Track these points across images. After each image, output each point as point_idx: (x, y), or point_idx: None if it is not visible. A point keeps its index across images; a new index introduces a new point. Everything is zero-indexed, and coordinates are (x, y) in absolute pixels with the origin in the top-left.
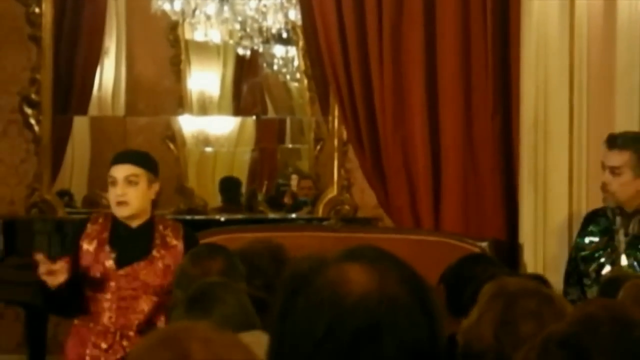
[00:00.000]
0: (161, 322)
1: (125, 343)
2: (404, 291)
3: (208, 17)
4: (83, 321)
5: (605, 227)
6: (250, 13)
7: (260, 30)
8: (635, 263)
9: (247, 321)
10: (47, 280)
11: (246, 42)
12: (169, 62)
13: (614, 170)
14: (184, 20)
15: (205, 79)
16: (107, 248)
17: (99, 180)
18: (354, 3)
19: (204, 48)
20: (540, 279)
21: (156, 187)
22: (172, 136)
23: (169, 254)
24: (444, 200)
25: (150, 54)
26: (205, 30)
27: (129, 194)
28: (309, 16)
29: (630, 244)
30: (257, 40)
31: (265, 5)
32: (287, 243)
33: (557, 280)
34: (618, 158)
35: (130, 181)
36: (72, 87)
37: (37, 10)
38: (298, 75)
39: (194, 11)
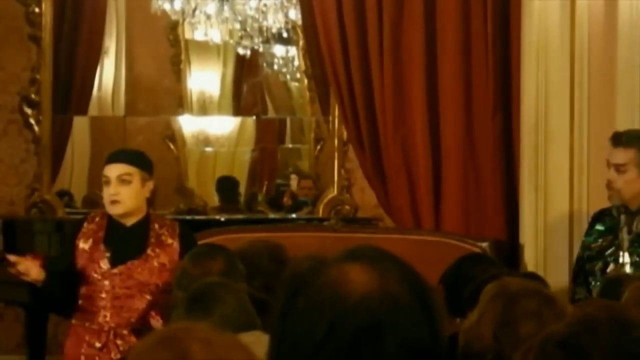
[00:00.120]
0: (155, 320)
1: (119, 342)
2: (405, 291)
3: (208, 17)
4: (80, 320)
5: (610, 225)
6: (251, 12)
7: (260, 30)
8: (639, 260)
9: (247, 321)
10: (22, 277)
11: (246, 42)
12: (169, 61)
13: (619, 168)
14: (184, 19)
15: (205, 79)
16: (102, 247)
17: (99, 181)
18: (354, 3)
19: (204, 48)
20: (534, 277)
21: (150, 185)
22: (172, 136)
23: (164, 252)
24: (444, 200)
25: (150, 54)
26: (206, 29)
27: (122, 193)
28: (309, 16)
29: (634, 241)
30: (257, 39)
31: (265, 5)
32: (287, 243)
33: (557, 280)
34: (623, 155)
35: (123, 180)
36: (72, 87)
37: (36, 9)
38: (298, 75)
39: (194, 11)
